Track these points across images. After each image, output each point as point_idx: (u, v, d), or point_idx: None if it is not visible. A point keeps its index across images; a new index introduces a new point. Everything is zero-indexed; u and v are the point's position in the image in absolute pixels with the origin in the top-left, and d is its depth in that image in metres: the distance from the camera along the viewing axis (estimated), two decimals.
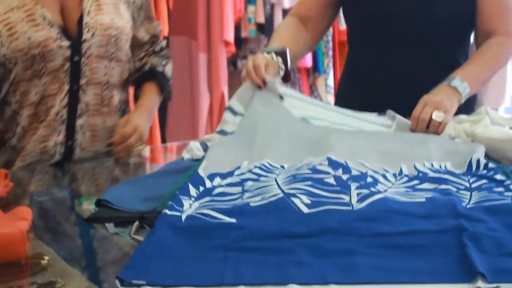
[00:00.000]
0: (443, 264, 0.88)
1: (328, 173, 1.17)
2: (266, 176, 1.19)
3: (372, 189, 1.12)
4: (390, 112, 1.54)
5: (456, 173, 1.21)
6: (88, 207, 1.17)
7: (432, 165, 1.27)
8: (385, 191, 1.12)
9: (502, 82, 4.24)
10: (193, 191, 1.13)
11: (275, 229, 0.97)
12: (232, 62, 3.65)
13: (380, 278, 0.85)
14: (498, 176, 1.18)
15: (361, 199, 1.07)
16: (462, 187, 1.15)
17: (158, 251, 0.92)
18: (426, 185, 1.16)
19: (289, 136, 1.39)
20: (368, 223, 0.98)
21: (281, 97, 1.50)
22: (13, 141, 1.61)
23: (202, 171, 1.20)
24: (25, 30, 1.54)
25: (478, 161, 1.25)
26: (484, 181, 1.17)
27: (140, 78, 1.79)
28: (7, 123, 1.62)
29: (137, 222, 1.02)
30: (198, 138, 1.77)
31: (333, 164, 1.21)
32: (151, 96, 1.76)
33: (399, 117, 1.51)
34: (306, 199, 1.06)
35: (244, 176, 1.19)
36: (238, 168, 1.24)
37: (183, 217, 1.01)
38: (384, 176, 1.21)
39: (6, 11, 1.54)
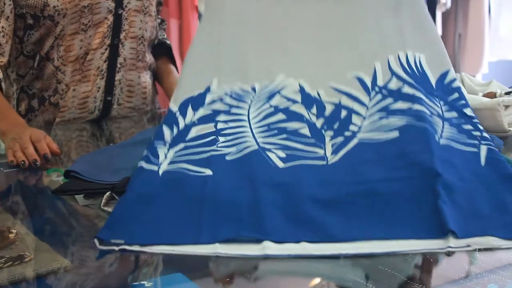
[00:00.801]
0: (415, 219, 0.92)
1: (302, 117, 1.18)
2: (237, 107, 1.18)
3: (346, 133, 1.15)
4: None
5: (429, 91, 1.20)
6: (57, 178, 1.17)
7: (407, 60, 1.24)
8: (359, 130, 1.14)
9: (479, 49, 4.27)
10: (167, 133, 1.13)
11: (250, 183, 1.00)
12: None
13: (351, 236, 0.89)
14: (468, 111, 1.19)
15: (335, 151, 1.11)
16: (435, 113, 1.16)
17: (136, 209, 0.94)
18: (400, 105, 1.17)
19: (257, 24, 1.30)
20: (341, 177, 1.02)
21: None
22: (55, 99, 1.63)
23: (173, 102, 1.18)
24: None
25: (451, 80, 1.24)
26: (454, 114, 1.18)
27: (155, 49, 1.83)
28: (47, 80, 1.62)
29: (107, 194, 1.01)
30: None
31: (306, 100, 1.21)
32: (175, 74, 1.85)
33: None
34: (282, 153, 1.10)
35: (215, 107, 1.18)
36: (209, 90, 1.20)
37: (160, 172, 1.04)
38: (358, 100, 1.20)
39: None
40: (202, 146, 1.11)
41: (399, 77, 1.21)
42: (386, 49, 1.26)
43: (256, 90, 1.23)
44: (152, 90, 1.80)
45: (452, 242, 0.86)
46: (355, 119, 1.18)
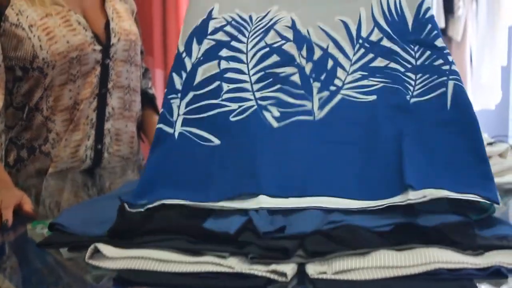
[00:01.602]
0: (382, 180, 1.13)
1: (294, 60, 1.32)
2: (237, 40, 1.33)
3: (331, 87, 1.30)
4: None
5: (405, 39, 1.33)
6: (41, 231, 1.17)
7: (388, 3, 1.37)
8: (342, 85, 1.30)
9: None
10: (177, 81, 1.28)
11: (250, 149, 1.19)
12: None
13: (325, 192, 1.12)
14: (439, 42, 1.31)
15: (321, 106, 1.28)
16: (409, 66, 1.30)
17: (157, 176, 1.15)
18: (378, 63, 1.31)
19: None
20: (325, 135, 1.23)
21: None
22: (46, 148, 1.65)
23: (180, 41, 1.32)
24: (64, 34, 1.60)
25: (426, 10, 1.37)
26: (428, 52, 1.31)
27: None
28: (36, 130, 1.64)
29: (92, 246, 1.01)
30: None
31: (298, 39, 1.34)
32: None
33: None
34: (276, 112, 1.26)
35: (217, 36, 1.32)
36: (211, 17, 1.34)
37: (176, 135, 1.22)
38: (343, 51, 1.34)
39: (42, 17, 1.60)
40: (208, 97, 1.27)
41: (380, 28, 1.36)
42: None
43: (253, 19, 1.37)
44: (138, 140, 1.81)
45: (411, 194, 1.05)
46: (339, 73, 1.32)
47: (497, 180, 1.33)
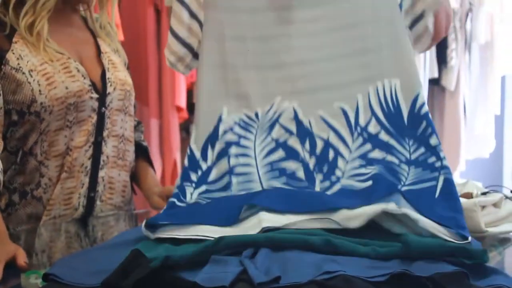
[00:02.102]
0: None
1: (298, 155, 1.45)
2: (245, 138, 1.47)
3: (333, 177, 1.42)
4: None
5: (400, 132, 1.44)
6: (35, 281, 1.16)
7: (384, 93, 1.46)
8: (342, 175, 1.41)
9: (456, 147, 4.34)
10: (193, 176, 1.44)
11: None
12: (185, 128, 3.67)
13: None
14: (433, 140, 1.41)
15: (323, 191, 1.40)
16: (403, 159, 1.41)
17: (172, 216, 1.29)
18: (376, 154, 1.42)
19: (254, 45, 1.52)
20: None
21: None
22: (38, 192, 1.65)
23: (195, 145, 1.47)
24: (63, 80, 1.62)
25: (420, 106, 1.46)
26: (422, 150, 1.41)
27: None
28: (29, 174, 1.64)
29: None
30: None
31: (301, 133, 1.47)
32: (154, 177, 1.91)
33: None
34: None
35: (227, 138, 1.46)
36: (221, 121, 1.47)
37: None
38: (343, 140, 1.45)
39: (42, 62, 1.62)
40: (219, 191, 1.42)
41: (377, 119, 1.45)
42: (367, 78, 1.48)
43: (259, 116, 1.49)
44: (130, 190, 1.81)
45: (390, 206, 1.20)
46: (340, 162, 1.44)
47: (491, 230, 1.34)
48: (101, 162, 1.70)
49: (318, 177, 1.43)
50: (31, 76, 1.60)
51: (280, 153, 1.47)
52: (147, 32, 3.24)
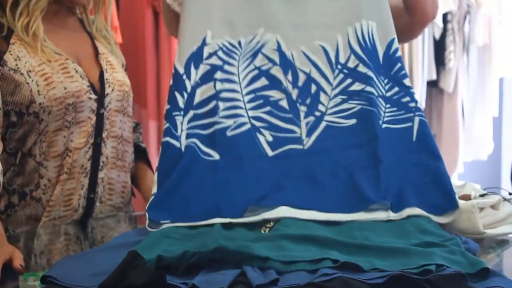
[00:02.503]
0: (366, 199, 1.36)
1: (281, 84, 1.53)
2: (229, 64, 1.53)
3: (316, 112, 1.51)
4: None
5: (377, 69, 1.53)
6: (33, 283, 1.17)
7: (362, 32, 1.55)
8: (326, 110, 1.51)
9: (454, 150, 4.34)
10: (180, 100, 1.49)
11: (250, 176, 1.42)
12: None
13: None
14: (407, 81, 1.53)
15: (309, 133, 1.50)
16: (380, 94, 1.52)
17: (170, 192, 1.39)
18: (356, 86, 1.52)
19: None
20: (315, 164, 1.45)
21: None
22: (37, 193, 1.64)
23: (178, 62, 1.51)
24: (61, 80, 1.62)
25: (395, 50, 1.56)
26: (396, 88, 1.52)
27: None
28: (28, 175, 1.64)
29: None
30: None
31: (283, 63, 1.54)
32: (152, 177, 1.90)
33: None
34: (269, 136, 1.49)
35: (211, 61, 1.52)
36: (205, 43, 1.53)
37: (182, 148, 1.44)
38: (324, 76, 1.54)
39: (40, 63, 1.62)
40: (207, 116, 1.49)
41: (356, 55, 1.55)
42: (346, 18, 1.57)
43: (242, 45, 1.55)
44: (130, 191, 1.81)
45: (392, 215, 1.33)
46: (322, 97, 1.53)
47: (489, 231, 1.34)
48: (101, 163, 1.70)
49: (302, 109, 1.52)
50: (30, 77, 1.60)
51: (263, 81, 1.54)
52: (145, 34, 3.25)
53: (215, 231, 1.26)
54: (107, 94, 1.70)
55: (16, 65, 1.60)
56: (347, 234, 1.24)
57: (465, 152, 4.48)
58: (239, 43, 1.55)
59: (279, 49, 1.55)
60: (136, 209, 1.89)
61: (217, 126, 1.48)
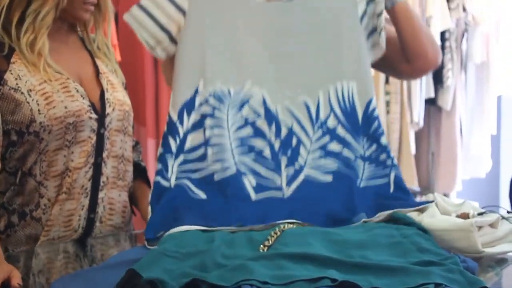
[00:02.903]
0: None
1: (265, 135, 1.67)
2: (219, 110, 1.65)
3: (296, 164, 1.66)
4: None
5: (355, 129, 1.69)
6: None
7: (342, 92, 1.70)
8: (305, 163, 1.66)
9: (452, 167, 4.35)
10: (172, 144, 1.63)
11: (233, 217, 1.50)
12: None
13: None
14: (383, 140, 1.69)
15: (289, 182, 1.63)
16: (359, 155, 1.67)
17: (164, 222, 1.48)
18: (334, 146, 1.68)
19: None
20: (293, 211, 1.53)
21: None
22: (37, 213, 1.64)
23: (172, 109, 1.65)
24: (62, 100, 1.63)
25: (373, 109, 1.71)
26: (374, 147, 1.69)
27: None
28: (29, 195, 1.64)
29: None
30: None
31: (268, 116, 1.68)
32: None
33: None
34: (253, 180, 1.62)
35: (203, 110, 1.65)
36: (197, 92, 1.66)
37: (172, 186, 1.58)
38: (305, 131, 1.68)
39: (41, 82, 1.63)
40: (197, 161, 1.63)
41: (335, 115, 1.70)
42: (328, 77, 1.71)
43: (231, 94, 1.67)
44: (130, 210, 1.81)
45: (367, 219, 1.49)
46: (302, 150, 1.68)
47: (488, 250, 1.35)
48: (101, 183, 1.70)
49: (283, 160, 1.66)
50: (30, 96, 1.61)
51: (248, 130, 1.67)
52: (144, 52, 3.25)
53: (214, 250, 1.27)
54: (108, 113, 1.70)
55: (17, 84, 1.61)
56: (345, 253, 1.25)
57: (463, 170, 4.48)
58: (229, 91, 1.67)
59: (264, 104, 1.68)
60: (135, 227, 1.89)
61: (205, 172, 1.62)
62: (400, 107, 4.13)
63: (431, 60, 1.83)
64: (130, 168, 1.80)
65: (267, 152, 1.66)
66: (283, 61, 1.71)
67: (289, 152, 1.67)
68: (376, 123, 1.69)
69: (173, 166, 1.60)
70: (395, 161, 1.69)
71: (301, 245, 1.28)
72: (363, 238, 1.33)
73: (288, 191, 1.62)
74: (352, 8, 1.72)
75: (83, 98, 1.67)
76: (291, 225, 1.43)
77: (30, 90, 1.61)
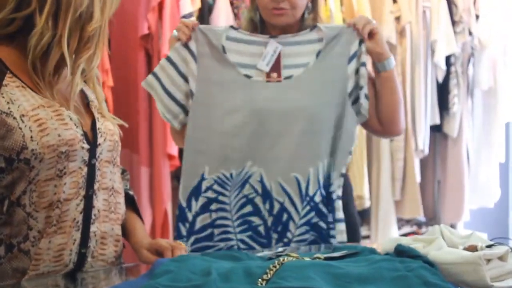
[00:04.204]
0: None
1: (261, 212, 2.05)
2: (222, 195, 2.07)
3: (285, 239, 2.05)
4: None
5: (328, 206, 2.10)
6: None
7: (324, 170, 2.07)
8: (292, 238, 2.04)
9: (459, 197, 4.34)
10: (183, 229, 2.07)
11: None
12: (176, 176, 3.67)
13: None
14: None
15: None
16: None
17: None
18: (316, 219, 2.07)
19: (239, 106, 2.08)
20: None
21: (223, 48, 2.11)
22: (25, 245, 1.62)
23: (181, 197, 2.09)
24: (56, 127, 1.61)
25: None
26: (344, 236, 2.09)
27: None
28: (17, 226, 1.62)
29: None
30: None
31: (264, 194, 2.06)
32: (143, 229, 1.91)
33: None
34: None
35: (208, 195, 2.07)
36: (203, 178, 2.06)
37: None
38: (295, 206, 2.04)
39: (34, 108, 1.61)
40: (205, 240, 2.05)
41: (321, 191, 2.07)
42: (315, 154, 2.05)
43: (233, 176, 2.05)
44: (122, 244, 1.80)
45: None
46: (291, 226, 2.05)
47: (497, 284, 1.34)
48: (93, 216, 1.68)
49: (274, 237, 2.05)
50: (23, 122, 1.59)
51: (249, 208, 2.06)
52: (137, 77, 3.27)
53: (210, 283, 1.26)
54: (99, 144, 1.69)
55: (9, 108, 1.60)
56: (347, 287, 1.24)
57: (470, 200, 4.48)
58: (231, 175, 2.05)
59: (261, 181, 2.05)
60: (126, 260, 1.88)
61: (213, 249, 2.02)
62: (405, 134, 4.13)
63: (401, 129, 2.21)
64: (121, 200, 1.79)
65: (261, 229, 2.05)
66: (277, 139, 2.05)
67: (279, 228, 2.04)
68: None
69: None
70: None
71: (301, 278, 1.27)
72: (365, 272, 1.32)
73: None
74: (343, 85, 2.08)
75: (77, 126, 1.65)
76: (291, 258, 1.42)
77: (23, 116, 1.60)
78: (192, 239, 2.06)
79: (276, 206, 2.04)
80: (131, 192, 1.91)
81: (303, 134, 2.04)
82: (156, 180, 3.36)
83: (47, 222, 1.62)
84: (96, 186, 1.68)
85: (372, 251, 1.54)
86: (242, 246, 2.03)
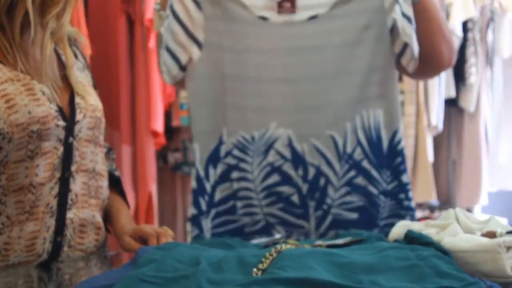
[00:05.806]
0: None
1: (292, 180, 1.94)
2: (244, 161, 1.95)
3: (324, 206, 1.93)
4: None
5: (380, 162, 1.94)
6: None
7: (368, 122, 1.93)
8: (332, 203, 1.93)
9: (476, 178, 4.35)
10: (202, 203, 1.98)
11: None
12: (162, 155, 3.67)
13: None
14: (405, 178, 1.95)
15: (317, 226, 1.94)
16: (381, 190, 1.94)
17: None
18: (360, 180, 1.93)
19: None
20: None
21: None
22: None
23: (199, 164, 1.98)
24: (26, 103, 1.58)
25: (398, 141, 1.96)
26: (395, 183, 1.95)
27: None
28: None
29: None
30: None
31: (295, 159, 1.93)
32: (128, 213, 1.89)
33: None
34: (282, 230, 1.90)
35: (227, 161, 1.96)
36: (221, 142, 1.96)
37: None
38: (332, 168, 1.93)
39: (1, 82, 1.58)
40: (226, 213, 1.97)
41: (362, 147, 1.93)
42: (354, 105, 1.91)
43: (255, 139, 1.94)
44: (104, 232, 1.79)
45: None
46: (330, 190, 1.93)
47: None
48: (69, 201, 1.66)
49: (311, 205, 1.93)
50: None
51: (276, 178, 1.94)
52: (118, 45, 3.26)
53: (200, 273, 1.26)
54: (78, 121, 1.66)
55: None
56: (352, 278, 1.24)
57: (489, 181, 4.49)
58: (253, 138, 1.94)
59: (290, 144, 1.92)
60: (110, 247, 1.87)
61: (236, 224, 1.96)
62: (416, 108, 4.14)
63: (445, 62, 2.02)
64: (104, 183, 1.77)
65: (295, 199, 1.94)
66: (306, 91, 1.91)
67: (317, 195, 1.93)
68: (399, 158, 1.94)
69: (207, 224, 1.93)
70: (413, 203, 1.97)
71: (301, 268, 1.27)
72: (372, 261, 1.32)
73: (316, 236, 1.91)
74: (380, 17, 1.91)
75: (50, 102, 1.62)
76: (289, 245, 1.42)
77: None
78: (212, 213, 1.98)
79: (311, 171, 1.93)
80: (116, 173, 1.89)
81: (333, 78, 1.90)
82: (139, 160, 3.37)
83: (18, 208, 1.61)
84: (73, 168, 1.67)
85: (379, 237, 1.55)
86: (272, 220, 1.96)
